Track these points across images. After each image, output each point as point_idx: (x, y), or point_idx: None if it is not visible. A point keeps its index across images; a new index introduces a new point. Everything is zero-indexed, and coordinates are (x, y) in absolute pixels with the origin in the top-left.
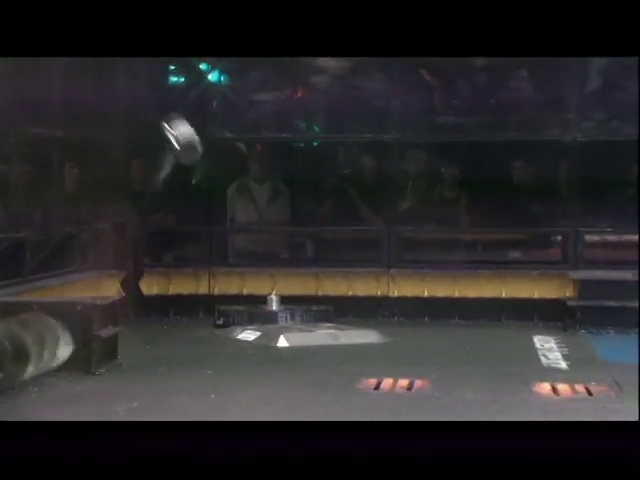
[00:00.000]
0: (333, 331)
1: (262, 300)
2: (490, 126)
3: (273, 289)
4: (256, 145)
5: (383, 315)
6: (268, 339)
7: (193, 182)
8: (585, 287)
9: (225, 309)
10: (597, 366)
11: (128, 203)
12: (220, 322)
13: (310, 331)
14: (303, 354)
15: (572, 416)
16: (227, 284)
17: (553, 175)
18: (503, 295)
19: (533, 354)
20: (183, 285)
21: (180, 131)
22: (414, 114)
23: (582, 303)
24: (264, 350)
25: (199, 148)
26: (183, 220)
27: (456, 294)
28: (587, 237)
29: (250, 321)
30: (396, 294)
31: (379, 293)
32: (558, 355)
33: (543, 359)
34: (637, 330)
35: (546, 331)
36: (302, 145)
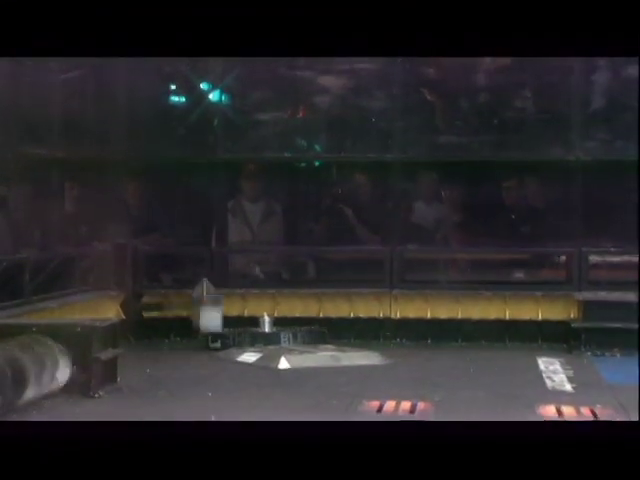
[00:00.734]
0: (335, 353)
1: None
2: (493, 145)
3: (274, 311)
4: (249, 164)
5: (385, 337)
6: (269, 361)
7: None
8: (590, 308)
9: (220, 333)
10: (602, 389)
11: (127, 224)
12: (217, 345)
13: (311, 352)
14: (304, 376)
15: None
16: (228, 306)
17: (557, 195)
18: (507, 316)
19: (537, 376)
20: (183, 307)
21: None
22: (416, 133)
23: (587, 325)
24: (265, 372)
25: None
26: (180, 240)
27: (459, 315)
28: (591, 257)
29: (251, 343)
30: (398, 315)
31: (381, 314)
32: (563, 377)
33: (548, 381)
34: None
35: (550, 353)
36: (303, 165)
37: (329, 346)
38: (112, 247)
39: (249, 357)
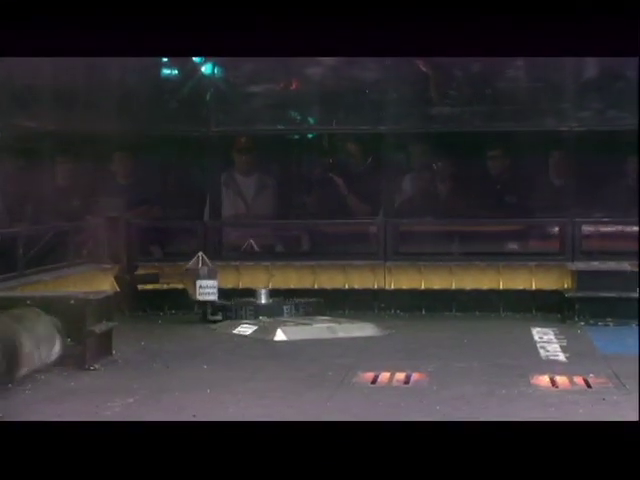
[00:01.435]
0: (330, 324)
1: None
2: (486, 116)
3: (269, 283)
4: (241, 138)
5: (380, 308)
6: (265, 333)
7: (184, 174)
8: (583, 278)
9: (222, 303)
10: (596, 358)
11: (120, 197)
12: (218, 317)
13: (307, 324)
14: (299, 348)
15: (571, 409)
16: (223, 278)
17: (549, 165)
18: (500, 287)
19: (531, 346)
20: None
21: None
22: (409, 105)
23: (580, 294)
24: (261, 344)
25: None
26: (173, 214)
27: (453, 286)
28: (584, 228)
29: (255, 315)
30: (392, 287)
31: (376, 286)
32: (557, 347)
33: (542, 351)
34: (636, 322)
35: (544, 323)
36: (296, 137)
37: (324, 318)
38: (105, 220)
39: (245, 329)
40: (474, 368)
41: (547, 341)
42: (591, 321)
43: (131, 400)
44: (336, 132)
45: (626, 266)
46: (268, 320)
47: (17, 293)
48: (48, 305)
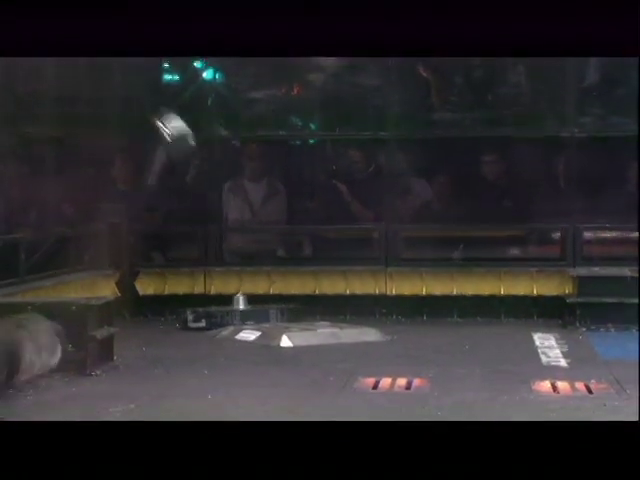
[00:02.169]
0: (334, 330)
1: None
2: (487, 121)
3: (270, 288)
4: (251, 144)
5: (381, 313)
6: (269, 339)
7: (187, 180)
8: (584, 284)
9: (205, 310)
10: (597, 364)
11: (123, 202)
12: (201, 324)
13: (311, 330)
14: (300, 353)
15: (572, 414)
16: (224, 284)
17: (551, 171)
18: (502, 292)
19: (533, 352)
20: (179, 285)
21: (172, 125)
22: (411, 110)
23: (582, 300)
24: (263, 350)
25: (191, 141)
26: (176, 219)
27: (454, 292)
28: (586, 233)
29: (242, 321)
30: (394, 292)
31: (377, 291)
32: (558, 353)
33: (543, 357)
34: (636, 327)
35: (546, 328)
36: (298, 143)
37: (325, 323)
38: (107, 226)
39: (248, 335)
40: (475, 374)
41: (548, 347)
42: (592, 326)
43: (132, 406)
44: (339, 138)
45: (627, 272)
46: (270, 326)
47: (18, 299)
48: (49, 311)
